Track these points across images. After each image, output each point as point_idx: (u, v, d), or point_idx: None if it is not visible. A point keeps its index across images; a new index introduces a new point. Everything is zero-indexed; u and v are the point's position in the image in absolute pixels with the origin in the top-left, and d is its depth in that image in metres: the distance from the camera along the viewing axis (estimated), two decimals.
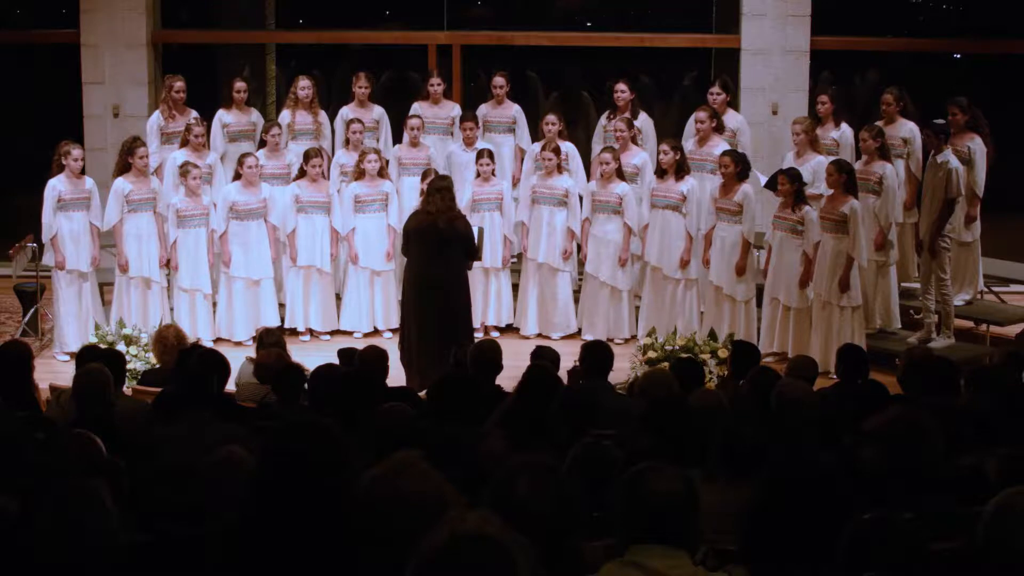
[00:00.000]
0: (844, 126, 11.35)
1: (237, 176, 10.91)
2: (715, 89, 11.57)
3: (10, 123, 13.93)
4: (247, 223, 10.91)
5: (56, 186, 10.49)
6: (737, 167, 10.48)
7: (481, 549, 2.53)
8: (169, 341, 8.36)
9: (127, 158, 10.69)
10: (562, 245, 11.13)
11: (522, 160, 11.85)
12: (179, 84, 11.56)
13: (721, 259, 10.63)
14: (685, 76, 14.33)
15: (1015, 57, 13.66)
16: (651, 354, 9.90)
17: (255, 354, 8.29)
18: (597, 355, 7.20)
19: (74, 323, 10.63)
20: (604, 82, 12.08)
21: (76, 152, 10.59)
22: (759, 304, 10.66)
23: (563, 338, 11.01)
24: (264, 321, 10.45)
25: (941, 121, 10.52)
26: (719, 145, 11.07)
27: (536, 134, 11.77)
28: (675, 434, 5.12)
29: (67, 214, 10.56)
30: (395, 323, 10.82)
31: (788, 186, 10.24)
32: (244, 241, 10.93)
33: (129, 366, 8.54)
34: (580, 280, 11.42)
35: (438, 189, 9.67)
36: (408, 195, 11.16)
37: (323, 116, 11.85)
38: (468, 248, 9.72)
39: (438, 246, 9.60)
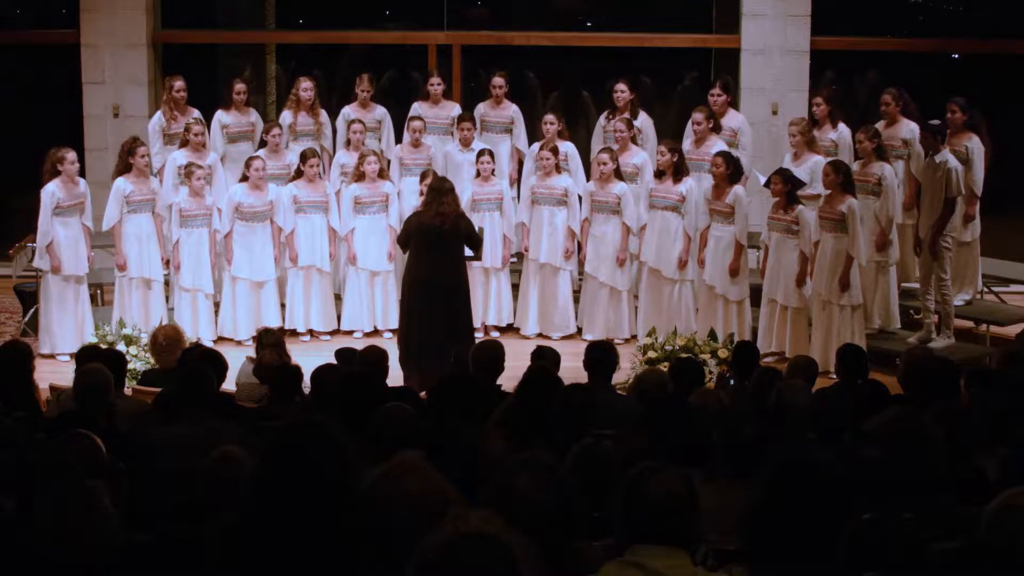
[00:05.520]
0: (842, 127, 11.34)
1: (244, 178, 10.91)
2: (716, 90, 11.56)
3: (10, 123, 13.92)
4: (253, 224, 10.91)
5: (55, 192, 10.47)
6: (728, 168, 10.47)
7: (482, 548, 2.53)
8: (158, 342, 8.37)
9: (128, 158, 10.69)
10: (563, 244, 11.14)
11: (518, 161, 11.86)
12: (179, 84, 11.56)
13: (715, 260, 10.63)
14: (685, 76, 14.32)
15: (1015, 57, 13.66)
16: (651, 354, 9.91)
17: (255, 354, 8.31)
18: (602, 355, 7.21)
19: (69, 325, 10.62)
20: (604, 82, 12.07)
21: (71, 155, 10.56)
22: (755, 304, 10.67)
23: (563, 338, 11.02)
24: (266, 322, 10.45)
25: (937, 122, 10.52)
26: (716, 145, 11.06)
27: (535, 135, 11.77)
28: (675, 434, 5.11)
29: (63, 220, 10.54)
30: (395, 323, 10.81)
31: (781, 187, 10.25)
32: (249, 243, 10.92)
33: (129, 366, 8.54)
34: (580, 280, 11.43)
35: (449, 190, 9.67)
36: (409, 196, 11.15)
37: (324, 116, 11.85)
38: (472, 241, 9.75)
39: (441, 246, 9.61)
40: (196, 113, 11.51)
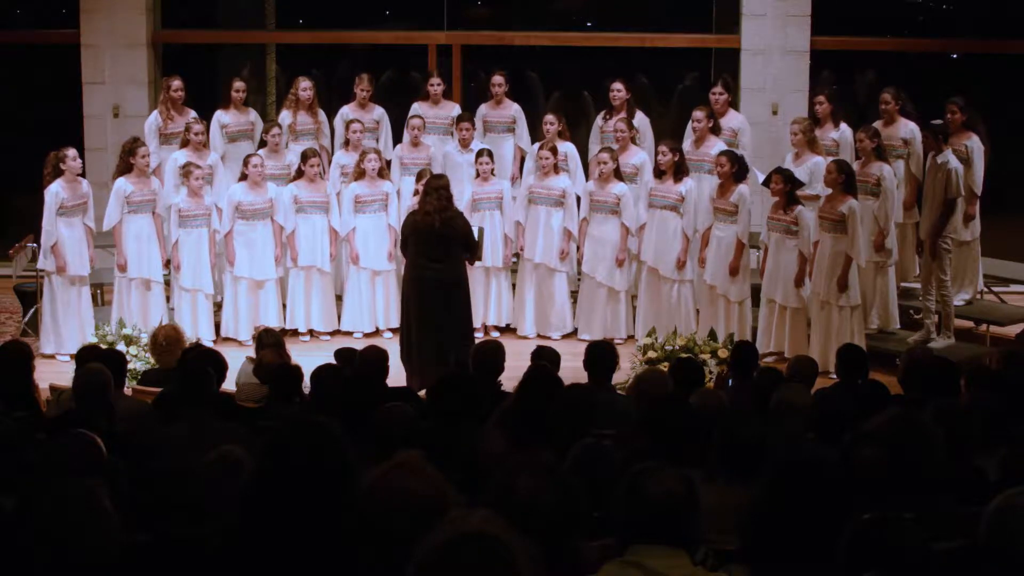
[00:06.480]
0: (844, 126, 11.34)
1: (243, 176, 10.91)
2: (717, 89, 11.56)
3: (10, 123, 13.93)
4: (253, 223, 10.90)
5: (59, 192, 10.47)
6: (733, 167, 10.46)
7: (482, 548, 2.53)
8: (158, 342, 8.38)
9: (128, 159, 10.69)
10: (559, 245, 11.13)
11: (521, 160, 11.85)
12: (177, 84, 11.55)
13: (717, 259, 10.62)
14: (685, 76, 14.33)
15: (1015, 57, 13.67)
16: (651, 354, 9.90)
17: (255, 354, 8.31)
18: (602, 355, 7.20)
19: (72, 325, 10.61)
20: (604, 82, 12.08)
21: (72, 152, 10.57)
22: (755, 304, 10.67)
23: (563, 337, 11.02)
24: (266, 321, 10.45)
25: (939, 121, 10.52)
26: (716, 145, 11.06)
27: (537, 135, 11.77)
28: (675, 434, 5.11)
29: (67, 220, 10.54)
30: (396, 323, 10.81)
31: (781, 186, 10.24)
32: (249, 241, 10.92)
33: (129, 366, 8.54)
34: (579, 280, 11.42)
35: (435, 188, 9.67)
36: (409, 195, 11.15)
37: (322, 116, 11.86)
38: (467, 244, 9.72)
39: (437, 246, 9.60)
40: (193, 113, 11.51)
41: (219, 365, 7.03)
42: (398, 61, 14.15)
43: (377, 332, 11.16)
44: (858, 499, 3.75)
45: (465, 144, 11.40)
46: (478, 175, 11.15)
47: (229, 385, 7.90)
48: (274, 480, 3.38)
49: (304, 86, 11.66)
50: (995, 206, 11.91)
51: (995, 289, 11.80)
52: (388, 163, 11.53)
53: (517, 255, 11.46)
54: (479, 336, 10.43)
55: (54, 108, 13.63)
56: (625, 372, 9.46)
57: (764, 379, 7.15)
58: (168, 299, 10.98)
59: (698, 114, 11.24)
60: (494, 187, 11.18)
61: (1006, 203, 13.15)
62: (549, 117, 11.39)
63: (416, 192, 10.52)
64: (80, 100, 12.90)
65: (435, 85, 11.89)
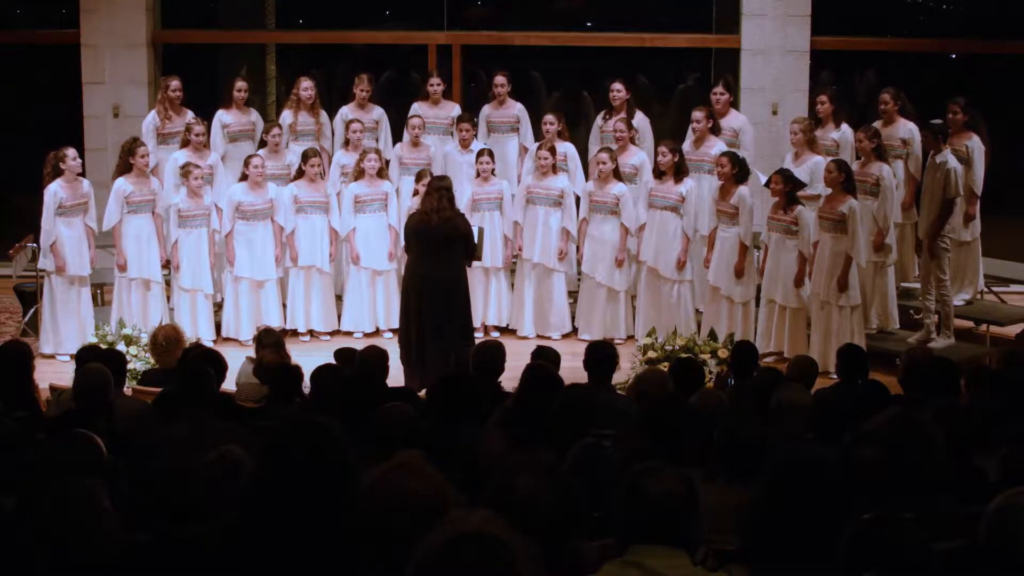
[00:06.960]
0: (844, 127, 11.33)
1: (244, 177, 10.91)
2: (718, 89, 11.56)
3: (10, 123, 13.93)
4: (253, 223, 10.90)
5: (57, 192, 10.47)
6: (734, 168, 10.44)
7: (482, 548, 2.53)
8: (158, 342, 8.38)
9: (128, 159, 10.69)
10: (557, 246, 11.13)
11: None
12: (175, 84, 11.55)
13: (720, 260, 10.62)
14: (685, 76, 14.33)
15: (1015, 57, 13.67)
16: (651, 354, 9.91)
17: (255, 354, 8.31)
18: (602, 355, 7.20)
19: (72, 325, 10.62)
20: (604, 82, 12.08)
21: (71, 152, 10.57)
22: (758, 305, 10.66)
23: (563, 337, 11.02)
24: (267, 321, 10.44)
25: (939, 121, 10.52)
26: (716, 146, 11.06)
27: (537, 134, 11.77)
28: (675, 434, 5.11)
29: (67, 220, 10.54)
30: (396, 323, 10.81)
31: (781, 186, 10.24)
32: (250, 241, 10.92)
33: (129, 366, 8.54)
34: (579, 280, 11.42)
35: (436, 189, 9.67)
36: (409, 195, 11.15)
37: (324, 116, 11.85)
38: (467, 247, 9.71)
39: (437, 246, 9.59)
40: (191, 113, 11.50)
41: (219, 365, 7.03)
42: (398, 61, 14.16)
43: (377, 332, 11.16)
44: (858, 499, 3.75)
45: (465, 144, 11.40)
46: (478, 175, 11.15)
47: (229, 385, 7.90)
48: (274, 480, 3.38)
49: (305, 86, 11.65)
50: (995, 206, 11.91)
51: (995, 289, 11.81)
52: (387, 163, 11.53)
53: (516, 255, 11.46)
54: (479, 336, 10.43)
55: (54, 108, 13.64)
56: (625, 372, 9.45)
57: (764, 379, 7.14)
58: (168, 299, 10.98)
59: (697, 114, 11.24)
60: (494, 187, 11.18)
61: (1006, 203, 13.16)
62: (549, 117, 11.39)
63: (415, 192, 10.52)
64: (80, 100, 12.90)
65: (435, 85, 11.89)
